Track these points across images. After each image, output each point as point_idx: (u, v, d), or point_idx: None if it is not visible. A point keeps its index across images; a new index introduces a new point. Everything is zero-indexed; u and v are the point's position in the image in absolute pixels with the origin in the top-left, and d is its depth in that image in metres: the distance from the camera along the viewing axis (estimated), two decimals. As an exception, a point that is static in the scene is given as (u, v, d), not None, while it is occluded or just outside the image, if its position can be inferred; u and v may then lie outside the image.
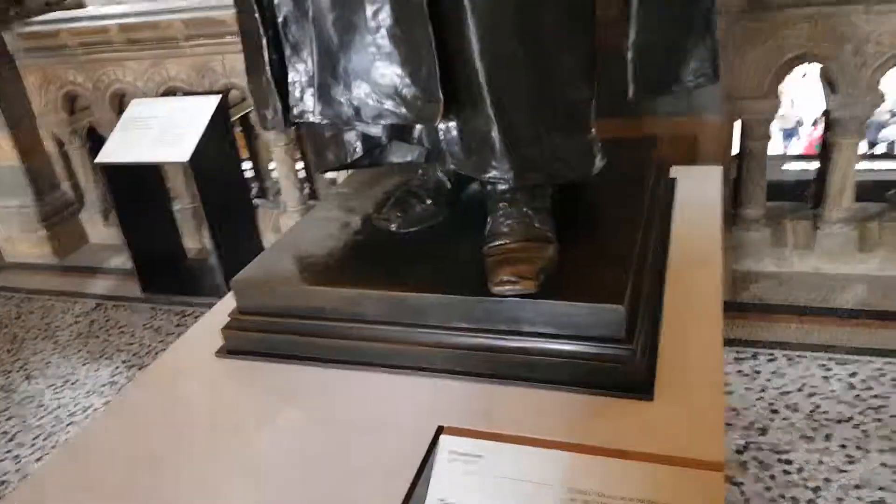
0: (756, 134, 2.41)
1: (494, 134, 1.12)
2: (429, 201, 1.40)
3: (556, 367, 1.09)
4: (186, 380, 1.30)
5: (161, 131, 2.76)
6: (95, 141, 3.50)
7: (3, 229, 3.53)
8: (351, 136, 1.37)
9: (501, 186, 1.20)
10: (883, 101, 2.28)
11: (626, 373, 1.05)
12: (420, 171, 1.46)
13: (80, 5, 3.75)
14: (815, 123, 12.63)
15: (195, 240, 3.39)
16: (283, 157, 3.27)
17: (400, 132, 1.28)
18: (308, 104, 1.28)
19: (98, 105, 3.35)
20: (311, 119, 1.28)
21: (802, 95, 11.09)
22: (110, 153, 2.74)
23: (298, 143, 3.46)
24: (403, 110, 1.12)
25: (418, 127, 1.24)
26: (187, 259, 3.24)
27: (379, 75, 1.11)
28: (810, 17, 2.21)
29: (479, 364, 1.14)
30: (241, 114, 3.39)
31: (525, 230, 1.16)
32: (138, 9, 3.28)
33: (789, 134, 11.76)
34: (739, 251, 2.48)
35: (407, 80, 1.10)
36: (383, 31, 1.09)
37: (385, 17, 1.08)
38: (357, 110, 1.15)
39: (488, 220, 1.22)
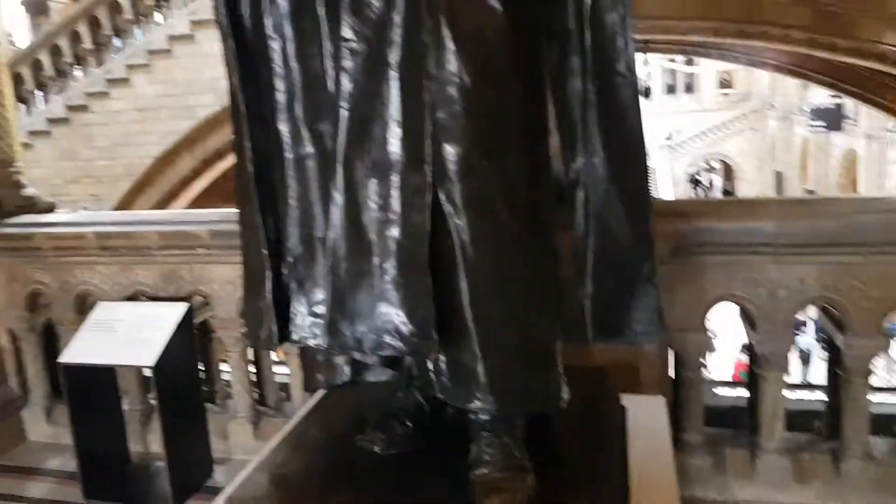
0: (690, 364, 2.65)
1: (479, 370, 1.29)
2: (409, 423, 1.52)
3: None
4: None
5: (126, 335, 2.83)
6: (48, 337, 3.50)
7: (-59, 422, 3.39)
8: (340, 360, 1.52)
9: (483, 416, 1.35)
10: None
11: None
12: (400, 394, 1.59)
13: (51, 209, 3.91)
14: (744, 349, 13.08)
15: (139, 442, 3.31)
16: (238, 362, 3.33)
17: (391, 359, 1.44)
18: (308, 332, 1.44)
19: (61, 304, 3.40)
20: (312, 344, 1.44)
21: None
22: (75, 354, 2.77)
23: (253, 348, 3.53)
24: (401, 345, 1.29)
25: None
26: (131, 463, 3.14)
27: (381, 314, 1.30)
28: (725, 264, 2.55)
29: None
30: (202, 319, 3.48)
31: (506, 460, 1.30)
32: (115, 218, 3.47)
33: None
34: (684, 477, 2.60)
35: (405, 319, 1.28)
36: (388, 279, 1.29)
37: (390, 267, 1.29)
38: (359, 342, 1.32)
39: (472, 447, 1.34)
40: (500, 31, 1.28)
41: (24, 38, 12.62)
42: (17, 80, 8.66)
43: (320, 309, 1.40)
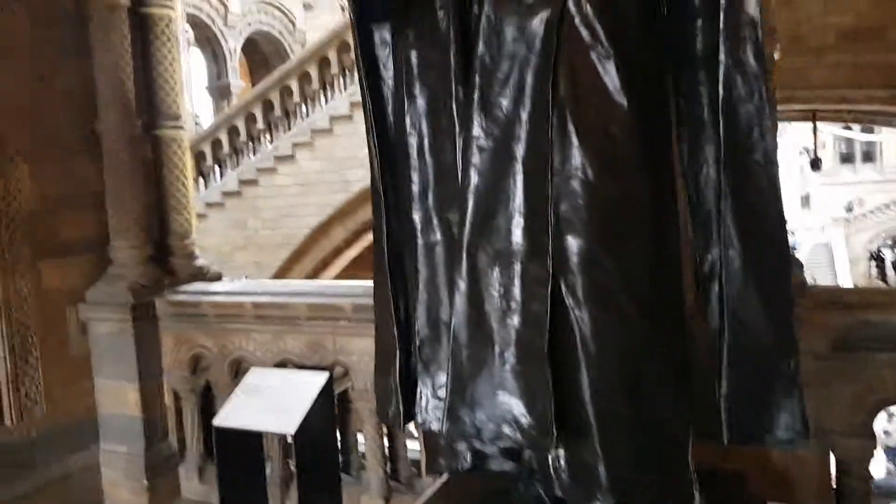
0: (854, 472, 2.38)
1: (601, 469, 1.24)
2: (530, 518, 1.48)
3: None
4: None
5: (272, 401, 3.00)
6: (205, 398, 3.78)
7: (109, 473, 3.72)
8: (462, 447, 1.53)
9: (605, 518, 1.29)
10: None
11: None
12: (521, 486, 1.56)
13: (219, 278, 4.27)
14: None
15: (277, 505, 3.44)
16: (373, 434, 3.39)
17: (511, 450, 1.43)
18: (431, 415, 1.46)
19: (217, 368, 3.67)
20: (434, 428, 1.46)
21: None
22: (227, 417, 2.97)
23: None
24: (519, 436, 1.28)
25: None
26: (268, 526, 3.27)
27: (501, 402, 1.30)
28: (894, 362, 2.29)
29: None
30: (342, 389, 3.61)
31: (630, 568, 1.22)
32: (270, 288, 3.74)
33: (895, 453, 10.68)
34: None
35: (523, 411, 1.27)
36: (507, 367, 1.29)
37: (510, 356, 1.29)
38: (478, 430, 1.32)
39: (595, 552, 1.28)
40: (626, 126, 1.28)
41: (208, 119, 14.21)
42: (200, 157, 9.70)
43: (443, 393, 1.42)
